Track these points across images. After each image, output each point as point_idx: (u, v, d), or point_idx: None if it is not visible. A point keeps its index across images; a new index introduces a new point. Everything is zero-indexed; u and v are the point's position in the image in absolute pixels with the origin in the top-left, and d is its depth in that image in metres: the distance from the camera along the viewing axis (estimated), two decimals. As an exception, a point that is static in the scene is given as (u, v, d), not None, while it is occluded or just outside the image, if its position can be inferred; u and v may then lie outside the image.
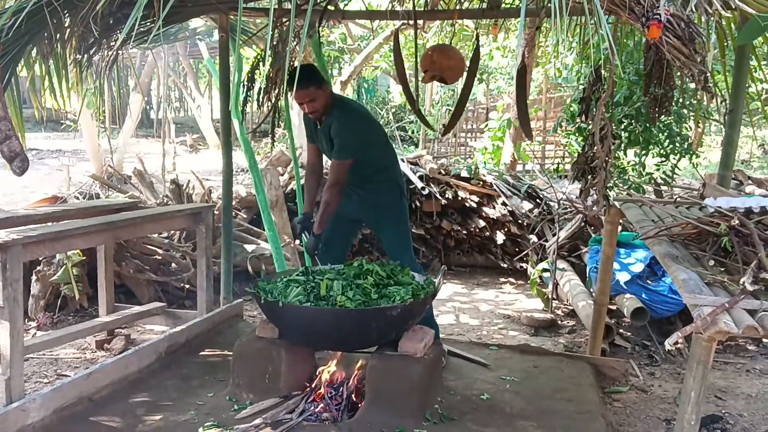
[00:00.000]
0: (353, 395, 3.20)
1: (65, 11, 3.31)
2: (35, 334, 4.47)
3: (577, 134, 5.57)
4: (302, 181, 4.40)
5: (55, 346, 4.12)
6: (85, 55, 3.99)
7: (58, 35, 3.66)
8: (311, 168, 3.99)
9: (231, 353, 3.51)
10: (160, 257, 5.23)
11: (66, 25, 3.59)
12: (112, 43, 4.00)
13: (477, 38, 4.47)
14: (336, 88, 11.15)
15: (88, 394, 3.21)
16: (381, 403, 3.05)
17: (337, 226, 3.83)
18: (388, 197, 3.82)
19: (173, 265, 5.25)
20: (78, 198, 6.05)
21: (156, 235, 5.29)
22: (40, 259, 4.78)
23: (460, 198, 6.38)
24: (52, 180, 10.59)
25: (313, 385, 3.27)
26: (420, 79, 4.23)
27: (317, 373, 3.36)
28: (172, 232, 5.42)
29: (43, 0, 3.01)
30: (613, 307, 4.68)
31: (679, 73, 3.16)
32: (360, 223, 4.11)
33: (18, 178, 3.91)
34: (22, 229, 3.49)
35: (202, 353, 3.92)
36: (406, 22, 4.16)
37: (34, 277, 4.78)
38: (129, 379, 3.46)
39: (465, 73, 4.27)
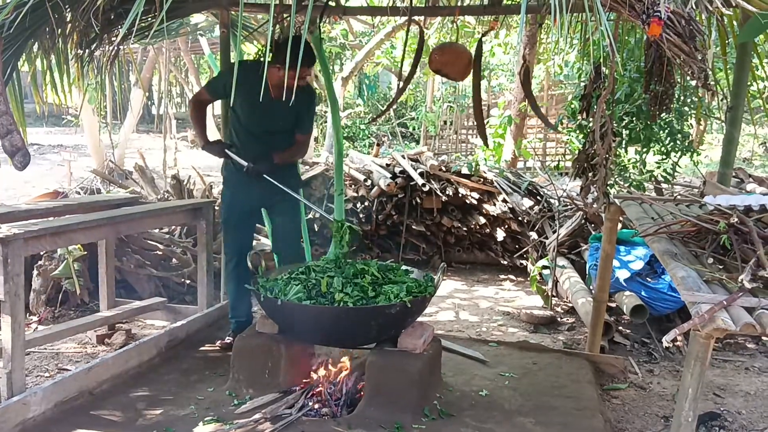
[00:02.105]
0: (353, 391, 3.21)
1: (67, 6, 3.31)
2: (36, 328, 4.49)
3: (578, 131, 5.57)
4: (303, 177, 4.43)
5: (56, 340, 4.14)
6: (87, 50, 3.99)
7: (59, 30, 3.66)
8: (202, 108, 4.01)
9: (230, 348, 3.53)
10: (160, 252, 5.24)
11: (67, 20, 3.60)
12: (113, 39, 4.01)
13: (480, 39, 4.46)
14: (337, 84, 11.15)
15: (89, 388, 3.23)
16: (380, 398, 3.06)
17: (244, 218, 3.97)
18: (297, 181, 4.11)
19: (174, 260, 5.26)
20: (79, 193, 6.05)
21: (157, 231, 5.30)
22: (42, 253, 4.79)
23: (460, 195, 6.39)
24: (54, 175, 10.60)
25: (312, 381, 3.29)
26: (422, 74, 4.25)
27: (317, 369, 3.37)
28: (173, 227, 5.43)
29: (44, -5, 3.02)
30: (613, 305, 4.69)
31: (679, 71, 3.16)
32: (258, 213, 4.16)
33: (19, 173, 3.91)
34: (24, 224, 3.50)
35: (202, 348, 3.94)
36: (412, 18, 4.15)
37: (35, 272, 4.79)
38: (129, 374, 3.48)
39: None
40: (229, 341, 3.86)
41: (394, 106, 16.74)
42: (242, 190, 3.87)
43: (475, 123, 4.68)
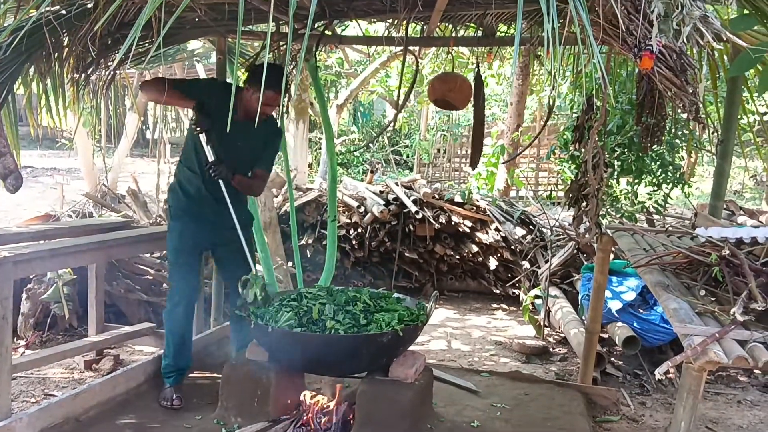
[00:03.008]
0: (343, 420, 3.17)
1: (64, 31, 3.33)
2: (24, 352, 4.43)
3: (570, 162, 5.61)
4: (296, 203, 4.34)
5: (44, 365, 4.08)
6: (83, 75, 4.00)
7: (56, 54, 3.67)
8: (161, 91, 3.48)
9: (220, 375, 3.49)
10: (151, 277, 5.20)
11: (64, 44, 3.61)
12: (109, 63, 4.02)
13: (478, 65, 4.51)
14: (332, 112, 11.22)
15: (75, 414, 3.18)
16: (370, 428, 3.02)
17: (195, 255, 3.64)
18: (248, 220, 3.74)
19: (164, 285, 5.23)
20: (71, 216, 6.03)
21: (148, 255, 5.26)
22: (31, 277, 4.75)
23: (453, 223, 6.40)
24: (46, 198, 10.56)
25: (302, 410, 3.24)
26: (416, 102, 4.28)
27: (306, 398, 3.33)
28: (164, 252, 5.40)
29: (42, 19, 3.04)
30: (605, 336, 4.67)
31: (671, 104, 3.20)
32: (202, 252, 3.79)
33: (11, 196, 3.90)
34: (14, 247, 3.48)
35: (191, 375, 3.89)
36: (405, 48, 4.19)
37: (24, 295, 4.75)
38: (117, 400, 3.43)
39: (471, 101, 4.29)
40: (177, 402, 3.46)
41: (387, 134, 16.84)
42: (192, 223, 3.52)
43: (471, 147, 4.70)
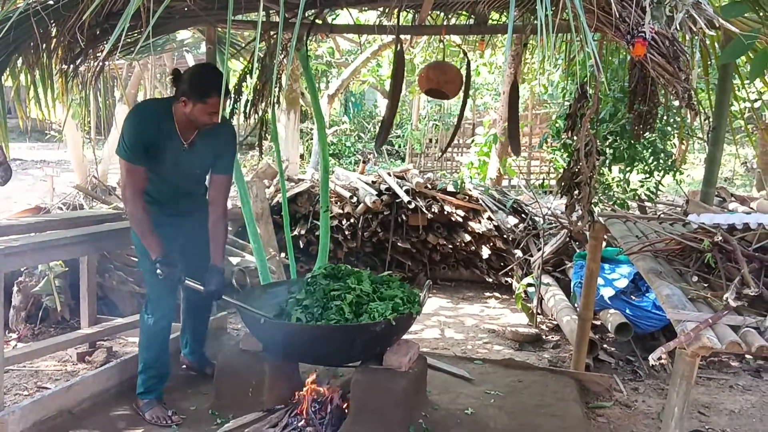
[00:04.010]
0: (337, 409, 3.18)
1: (52, 21, 3.29)
2: (15, 345, 4.41)
3: (562, 150, 5.61)
4: (288, 194, 4.27)
5: (36, 358, 4.07)
6: (71, 66, 3.97)
7: (44, 45, 3.64)
8: (141, 196, 3.15)
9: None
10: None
11: (52, 35, 3.58)
12: (98, 54, 3.99)
13: (465, 55, 4.50)
14: (323, 102, 11.18)
15: (69, 407, 3.17)
16: (365, 417, 3.03)
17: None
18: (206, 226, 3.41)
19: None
20: (61, 209, 5.99)
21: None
22: (22, 269, 4.72)
23: (446, 212, 6.40)
24: (36, 190, 10.49)
25: (296, 399, 3.25)
26: (408, 92, 4.26)
27: (301, 387, 3.33)
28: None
29: (29, 9, 3.00)
30: (598, 323, 4.70)
31: (663, 91, 3.20)
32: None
33: (1, 188, 3.87)
34: (4, 240, 3.45)
35: (184, 366, 3.89)
36: (398, 36, 4.17)
37: (15, 288, 4.72)
38: (110, 392, 3.43)
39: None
40: (176, 417, 3.24)
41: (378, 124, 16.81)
42: (165, 230, 3.23)
43: (449, 138, 4.72)
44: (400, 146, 17.13)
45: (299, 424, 3.09)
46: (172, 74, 3.15)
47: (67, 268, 4.74)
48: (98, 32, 3.70)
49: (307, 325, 3.03)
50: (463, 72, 4.23)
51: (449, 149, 15.70)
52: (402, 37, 4.35)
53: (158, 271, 3.10)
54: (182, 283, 3.18)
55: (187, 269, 3.22)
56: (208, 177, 3.47)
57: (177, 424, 3.18)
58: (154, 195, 3.26)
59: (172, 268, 3.12)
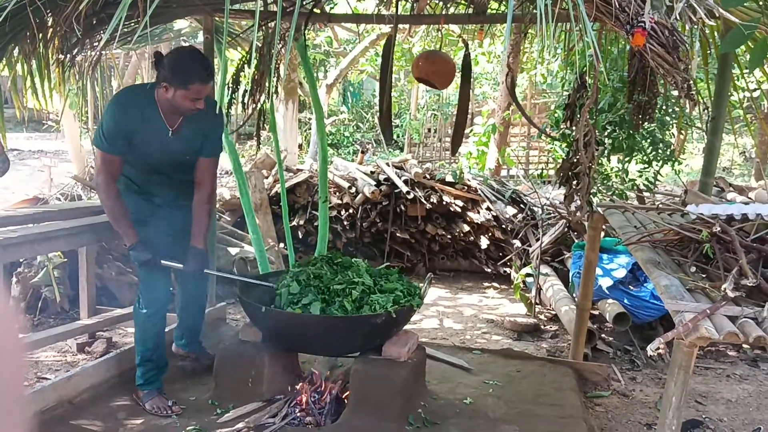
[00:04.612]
0: (337, 399, 3.19)
1: (48, 10, 3.27)
2: (14, 336, 4.41)
3: (561, 140, 5.61)
4: (287, 184, 4.25)
5: (36, 348, 4.07)
6: (68, 55, 3.95)
7: (40, 35, 3.62)
8: (114, 184, 3.08)
9: (214, 357, 3.49)
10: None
11: (49, 24, 3.56)
12: (95, 43, 3.97)
13: (466, 45, 4.48)
14: (322, 92, 11.14)
15: (69, 397, 3.18)
16: (365, 407, 3.04)
17: (163, 255, 3.25)
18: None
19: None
20: (59, 199, 5.98)
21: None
22: (21, 260, 4.72)
23: (444, 203, 6.40)
24: (34, 181, 10.46)
25: (296, 389, 3.26)
26: (406, 82, 4.23)
27: (300, 377, 3.34)
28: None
29: (26, -1, 2.98)
30: (596, 312, 4.71)
31: (662, 81, 3.20)
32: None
33: (-2, 179, 3.86)
34: (2, 231, 3.45)
35: (180, 358, 3.89)
36: (395, 26, 4.15)
37: (14, 279, 4.72)
38: (110, 383, 3.43)
39: (458, 80, 4.26)
40: (177, 408, 3.22)
41: (377, 114, 16.76)
42: (154, 221, 3.21)
43: (453, 131, 4.66)
44: (398, 136, 17.09)
45: (299, 414, 3.10)
46: (154, 57, 3.03)
47: (66, 259, 4.74)
48: (95, 22, 3.68)
49: (308, 315, 3.04)
50: (462, 63, 4.22)
51: (447, 139, 15.67)
52: (399, 26, 4.32)
53: (132, 258, 3.16)
54: (159, 266, 3.16)
55: (177, 260, 3.21)
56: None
57: (177, 414, 3.18)
58: (141, 185, 3.22)
59: (145, 255, 3.10)
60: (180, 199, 3.30)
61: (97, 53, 4.12)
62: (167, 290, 3.33)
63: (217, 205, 5.13)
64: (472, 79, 4.30)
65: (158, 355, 3.34)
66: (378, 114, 4.43)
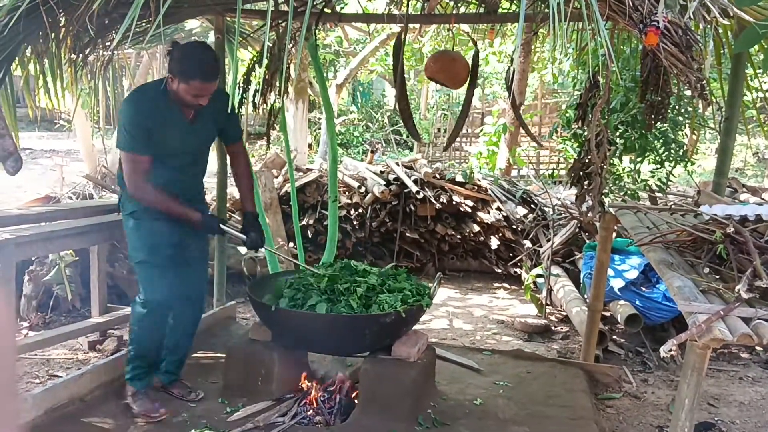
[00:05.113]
0: (346, 399, 3.19)
1: (61, 10, 3.29)
2: (27, 334, 4.44)
3: (572, 140, 5.58)
4: (296, 184, 4.23)
5: (47, 346, 4.10)
6: (80, 55, 3.97)
7: (53, 34, 3.64)
8: (149, 182, 3.04)
9: (224, 355, 3.50)
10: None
11: (61, 24, 3.57)
12: (107, 43, 3.98)
13: (476, 45, 4.46)
14: (331, 91, 11.16)
15: (80, 395, 3.19)
16: (374, 407, 3.04)
17: (176, 252, 3.20)
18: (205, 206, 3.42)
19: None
20: (71, 198, 6.01)
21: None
22: (33, 258, 4.75)
23: (454, 202, 6.38)
24: (46, 180, 10.53)
25: (305, 389, 3.26)
26: (416, 81, 4.22)
27: (310, 376, 3.34)
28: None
29: (39, -1, 3.00)
30: (607, 314, 4.68)
31: (675, 81, 3.17)
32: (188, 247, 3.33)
33: (11, 178, 3.88)
34: (15, 229, 3.47)
35: (194, 355, 3.90)
36: (403, 26, 4.14)
37: (26, 277, 4.75)
38: (121, 381, 3.43)
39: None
40: (164, 410, 3.13)
41: (387, 113, 16.75)
42: (165, 218, 3.10)
43: (452, 131, 4.65)
44: (408, 136, 17.08)
45: (308, 413, 3.10)
46: (171, 46, 3.00)
47: (77, 258, 4.77)
48: (107, 21, 3.70)
49: (317, 314, 3.03)
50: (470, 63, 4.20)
51: (457, 139, 15.65)
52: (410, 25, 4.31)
53: (208, 229, 3.23)
54: (222, 232, 3.22)
55: (183, 258, 3.21)
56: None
57: (163, 417, 3.09)
58: (158, 182, 3.10)
59: (216, 221, 3.23)
60: (195, 193, 3.32)
61: (110, 53, 4.14)
62: (169, 291, 3.16)
63: (228, 204, 5.13)
64: (477, 81, 4.27)
65: (151, 356, 3.26)
66: (398, 113, 4.42)
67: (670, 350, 1.92)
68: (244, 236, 3.26)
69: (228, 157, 3.51)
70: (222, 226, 3.20)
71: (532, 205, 6.54)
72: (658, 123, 3.60)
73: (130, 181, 3.00)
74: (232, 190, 6.60)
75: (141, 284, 3.20)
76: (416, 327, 3.37)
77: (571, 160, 3.72)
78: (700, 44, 2.26)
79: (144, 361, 3.24)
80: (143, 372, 3.24)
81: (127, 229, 3.17)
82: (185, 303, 3.33)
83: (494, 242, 6.35)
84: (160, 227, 3.10)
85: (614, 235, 4.15)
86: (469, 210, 6.38)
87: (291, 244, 5.90)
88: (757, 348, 4.55)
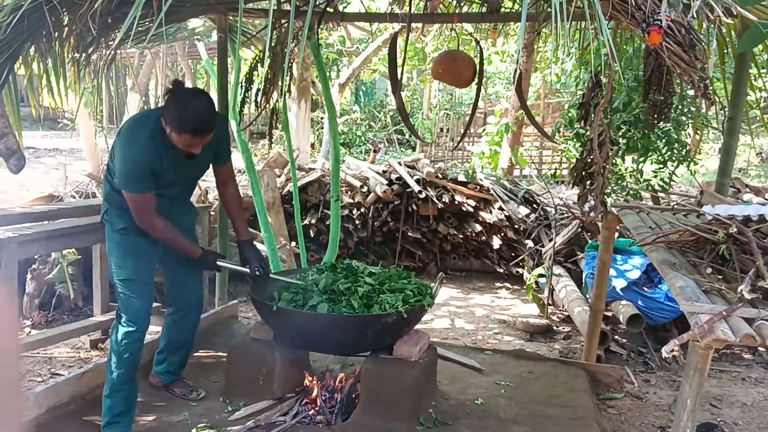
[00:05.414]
0: (348, 398, 3.19)
1: (64, 9, 3.29)
2: (29, 332, 4.45)
3: (575, 140, 5.56)
4: (299, 183, 4.21)
5: (50, 344, 4.11)
6: (83, 54, 3.97)
7: (56, 33, 3.64)
8: (158, 216, 3.00)
9: (225, 354, 3.50)
10: (155, 257, 5.20)
11: (64, 23, 3.57)
12: (110, 42, 3.98)
13: (478, 44, 4.46)
14: (334, 91, 11.16)
15: (82, 393, 3.20)
16: (375, 406, 3.04)
17: (152, 271, 3.22)
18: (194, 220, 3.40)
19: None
20: (74, 197, 6.02)
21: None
22: (36, 257, 4.76)
23: (456, 202, 6.38)
24: (49, 178, 10.55)
25: (307, 388, 3.26)
26: (419, 81, 4.22)
27: (312, 376, 3.34)
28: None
29: (41, -3, 3.00)
30: (609, 314, 4.68)
31: (678, 80, 3.16)
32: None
33: (14, 176, 3.89)
34: (18, 228, 3.48)
35: (196, 354, 3.90)
36: (403, 26, 4.14)
37: (29, 276, 4.76)
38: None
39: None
40: None
41: (389, 113, 16.75)
42: (151, 244, 3.07)
43: (463, 128, 4.66)
44: (410, 135, 17.08)
45: (310, 413, 3.10)
46: (171, 84, 2.91)
47: (80, 256, 4.78)
48: (110, 20, 3.69)
49: (319, 313, 3.03)
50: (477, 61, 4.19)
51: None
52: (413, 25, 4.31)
53: (208, 266, 3.22)
54: (218, 269, 3.22)
55: (172, 268, 3.24)
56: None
57: None
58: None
59: (215, 258, 3.21)
60: (183, 219, 3.24)
61: (112, 52, 4.14)
62: (150, 308, 3.11)
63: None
64: (482, 78, 4.26)
65: (131, 389, 3.05)
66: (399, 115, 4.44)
67: (672, 350, 1.92)
68: (245, 269, 3.25)
69: (215, 179, 3.38)
70: (219, 262, 3.21)
71: (534, 205, 6.54)
72: (661, 123, 3.59)
73: (140, 220, 2.95)
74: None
75: (124, 303, 3.03)
76: (418, 326, 3.37)
77: (574, 160, 3.71)
78: (703, 43, 2.25)
79: (123, 395, 2.99)
80: (122, 411, 2.98)
81: (112, 243, 3.07)
82: (185, 307, 3.33)
83: (496, 242, 6.35)
84: (146, 243, 3.04)
85: (616, 235, 4.14)
86: (471, 210, 6.38)
87: (293, 244, 5.91)
88: (760, 349, 4.54)
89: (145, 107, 14.64)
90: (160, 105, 3.03)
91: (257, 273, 3.24)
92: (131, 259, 3.04)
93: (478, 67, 4.11)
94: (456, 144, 5.02)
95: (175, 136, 2.83)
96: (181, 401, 3.30)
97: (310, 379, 3.30)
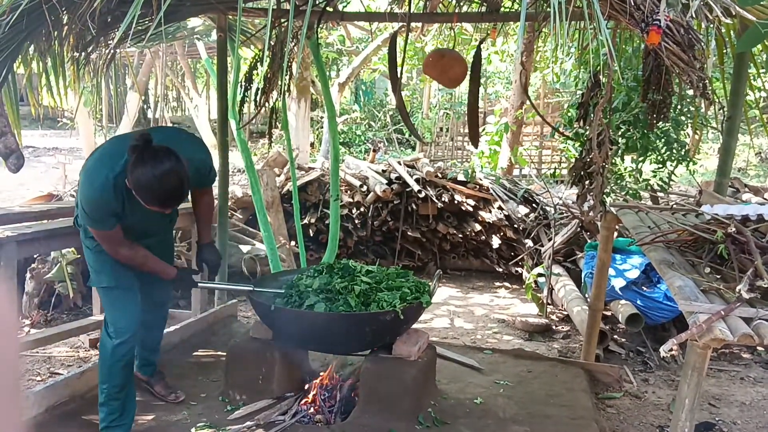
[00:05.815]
0: (347, 397, 3.19)
1: (63, 8, 3.29)
2: (29, 331, 4.45)
3: (574, 139, 5.57)
4: (298, 182, 4.20)
5: (49, 344, 4.11)
6: (83, 53, 3.97)
7: (55, 32, 3.64)
8: (125, 243, 2.86)
9: (225, 354, 3.50)
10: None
11: (64, 22, 3.58)
12: (109, 42, 3.99)
13: (479, 44, 4.46)
14: (334, 90, 11.15)
15: (81, 392, 3.20)
16: (374, 405, 3.04)
17: (135, 278, 3.03)
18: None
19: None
20: (74, 196, 6.02)
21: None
22: (35, 256, 4.76)
23: (456, 201, 6.38)
24: (48, 178, 10.55)
25: (306, 387, 3.26)
26: (419, 80, 4.22)
27: (311, 375, 3.34)
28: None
29: (41, -4, 3.00)
30: (608, 313, 4.68)
31: (677, 80, 3.16)
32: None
33: (13, 175, 3.89)
34: (17, 227, 3.48)
35: (195, 353, 3.91)
36: (403, 25, 4.14)
37: (28, 275, 4.76)
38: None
39: (467, 78, 4.25)
40: None
41: (389, 113, 16.75)
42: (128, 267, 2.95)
43: (468, 128, 4.65)
44: (410, 135, 17.07)
45: (309, 412, 3.10)
46: (138, 139, 2.58)
47: (79, 255, 4.78)
48: (109, 20, 3.70)
49: (318, 312, 3.03)
50: (473, 60, 4.20)
51: (459, 138, 15.64)
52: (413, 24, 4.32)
53: (183, 286, 3.20)
54: (195, 284, 3.15)
55: (147, 299, 3.11)
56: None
57: None
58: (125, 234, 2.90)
59: (191, 277, 3.10)
60: (156, 246, 3.08)
61: (111, 51, 4.14)
62: (138, 316, 2.98)
63: (229, 203, 5.14)
64: (479, 77, 4.26)
65: (126, 394, 2.97)
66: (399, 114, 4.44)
67: (671, 350, 1.92)
68: (235, 286, 3.32)
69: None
70: (199, 282, 3.15)
71: (534, 205, 6.54)
72: (660, 122, 3.59)
73: (109, 251, 2.84)
74: (234, 188, 6.61)
75: (110, 311, 2.95)
76: (417, 326, 3.37)
77: (573, 160, 3.72)
78: (702, 43, 2.25)
79: (118, 403, 2.94)
80: (118, 417, 2.94)
81: (89, 250, 2.94)
82: (154, 307, 3.26)
83: (496, 241, 6.35)
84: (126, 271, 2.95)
85: (615, 234, 4.14)
86: (470, 209, 6.38)
87: (293, 243, 5.91)
88: (758, 348, 4.54)
89: (145, 107, 14.60)
90: (135, 130, 2.89)
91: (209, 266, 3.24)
92: (109, 263, 2.89)
93: (467, 64, 4.11)
94: (472, 143, 4.96)
95: (141, 201, 2.63)
96: (177, 403, 3.30)
97: (310, 378, 3.30)
